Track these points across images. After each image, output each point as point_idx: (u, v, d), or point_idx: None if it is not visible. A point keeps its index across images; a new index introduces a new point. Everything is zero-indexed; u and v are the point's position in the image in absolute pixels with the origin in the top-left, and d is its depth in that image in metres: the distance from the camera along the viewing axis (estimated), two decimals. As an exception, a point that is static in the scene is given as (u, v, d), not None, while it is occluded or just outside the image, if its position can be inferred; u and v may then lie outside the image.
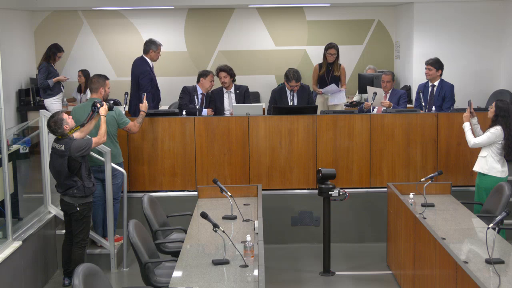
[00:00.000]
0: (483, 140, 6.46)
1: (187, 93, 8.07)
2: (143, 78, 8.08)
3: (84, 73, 10.04)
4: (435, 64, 7.89)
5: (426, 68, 7.94)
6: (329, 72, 8.82)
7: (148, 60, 8.22)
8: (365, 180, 7.47)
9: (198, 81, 8.15)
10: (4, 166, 5.64)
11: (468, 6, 9.87)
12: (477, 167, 6.59)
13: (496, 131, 6.39)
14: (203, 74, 8.13)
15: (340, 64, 8.92)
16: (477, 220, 5.61)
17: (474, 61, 9.94)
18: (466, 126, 6.65)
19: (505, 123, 6.36)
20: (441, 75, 7.96)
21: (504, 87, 9.68)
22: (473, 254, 4.74)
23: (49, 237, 6.53)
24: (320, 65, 8.99)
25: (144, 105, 7.11)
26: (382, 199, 6.90)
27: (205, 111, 7.93)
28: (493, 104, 6.51)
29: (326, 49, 8.87)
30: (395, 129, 7.44)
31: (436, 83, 7.95)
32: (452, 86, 7.95)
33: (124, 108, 7.77)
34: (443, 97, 7.90)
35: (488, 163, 6.46)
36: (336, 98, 8.85)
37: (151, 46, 8.20)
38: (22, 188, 6.95)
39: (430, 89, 8.00)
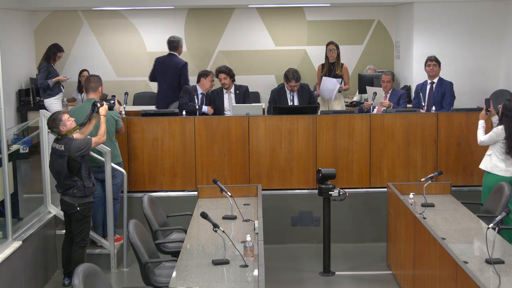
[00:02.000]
0: (486, 139, 6.52)
1: (187, 93, 8.07)
2: (185, 69, 8.70)
3: (89, 73, 10.03)
4: (438, 61, 7.94)
5: (430, 65, 7.93)
6: (331, 72, 8.78)
7: (177, 55, 8.92)
8: (365, 180, 7.47)
9: (198, 81, 8.15)
10: (4, 166, 5.64)
11: (468, 6, 9.87)
12: (482, 165, 6.64)
13: (497, 130, 6.42)
14: (203, 74, 8.14)
15: (343, 64, 8.86)
16: (477, 220, 5.61)
17: (474, 61, 9.94)
18: (480, 123, 6.70)
19: (508, 122, 6.38)
20: (439, 72, 8.00)
21: (504, 87, 9.68)
22: (473, 254, 4.74)
23: (49, 237, 6.53)
24: (322, 65, 8.97)
25: (117, 107, 7.09)
26: (382, 199, 6.90)
27: (205, 108, 7.93)
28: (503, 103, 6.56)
29: (326, 46, 8.85)
30: (395, 129, 7.44)
31: (435, 80, 7.96)
32: (451, 83, 7.97)
33: (124, 108, 7.78)
34: (442, 93, 7.90)
35: (492, 161, 6.49)
36: (331, 92, 8.70)
37: (179, 42, 8.96)
38: (22, 188, 6.94)
39: (429, 87, 8.00)
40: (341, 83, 8.69)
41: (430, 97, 7.95)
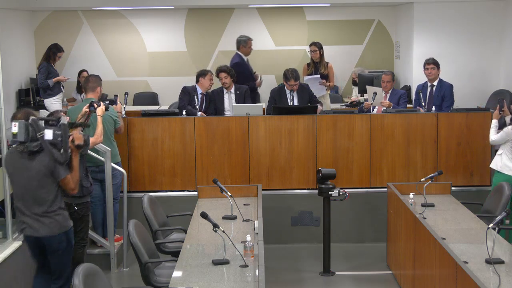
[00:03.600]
0: (497, 138, 6.59)
1: (187, 94, 8.06)
2: (235, 67, 8.67)
3: (88, 73, 10.02)
4: (437, 63, 7.92)
5: (428, 68, 7.92)
6: (317, 71, 8.94)
7: (242, 55, 8.94)
8: (365, 180, 7.47)
9: (197, 81, 8.14)
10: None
11: (468, 6, 9.87)
12: (492, 164, 6.71)
13: (507, 130, 6.49)
14: (202, 74, 8.12)
15: (328, 63, 9.05)
16: (477, 220, 5.61)
17: (474, 61, 9.94)
18: (493, 123, 6.75)
19: None
20: (439, 74, 7.99)
21: (504, 87, 9.68)
22: (473, 254, 4.74)
23: (49, 237, 6.51)
24: (308, 65, 9.16)
25: (118, 106, 7.08)
26: (382, 199, 6.90)
27: (198, 115, 7.89)
28: None
29: (309, 46, 9.17)
30: (395, 129, 7.44)
31: (435, 83, 7.95)
32: (451, 86, 7.96)
33: (124, 108, 7.77)
34: (442, 97, 7.90)
35: (502, 161, 6.55)
36: (317, 90, 8.75)
37: (240, 42, 8.99)
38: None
39: (429, 89, 8.00)
40: (327, 80, 8.91)
41: (430, 99, 7.94)
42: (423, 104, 7.84)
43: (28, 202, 4.80)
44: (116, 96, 7.24)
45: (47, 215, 4.78)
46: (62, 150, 4.61)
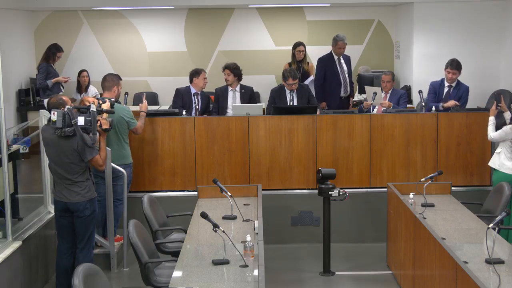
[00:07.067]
0: (496, 136, 6.62)
1: (180, 96, 7.99)
2: (317, 68, 8.94)
3: (88, 73, 10.01)
4: (459, 67, 7.82)
5: (450, 72, 7.79)
6: (300, 69, 9.17)
7: (333, 54, 8.97)
8: (365, 180, 7.47)
9: (191, 81, 8.06)
10: (4, 166, 5.64)
11: (468, 6, 9.87)
12: (491, 162, 6.74)
13: (506, 129, 6.51)
14: (195, 73, 8.04)
15: (309, 62, 9.44)
16: (477, 220, 5.61)
17: (474, 61, 9.93)
18: (490, 119, 6.77)
19: None
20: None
21: (504, 87, 9.68)
22: (473, 254, 4.74)
23: (49, 237, 6.52)
24: (289, 64, 9.39)
25: (144, 105, 7.08)
26: (382, 199, 6.90)
27: (192, 114, 7.87)
28: None
29: (294, 47, 9.41)
30: (395, 129, 7.44)
31: (453, 84, 7.91)
32: (468, 88, 7.92)
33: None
34: (459, 98, 7.85)
35: (500, 159, 6.57)
36: None
37: (332, 41, 8.97)
38: (22, 188, 6.94)
39: (446, 89, 7.94)
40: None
41: (446, 99, 7.88)
42: (422, 104, 7.77)
43: (60, 174, 5.49)
44: (142, 94, 7.20)
45: (76, 184, 5.47)
46: (91, 134, 5.32)
